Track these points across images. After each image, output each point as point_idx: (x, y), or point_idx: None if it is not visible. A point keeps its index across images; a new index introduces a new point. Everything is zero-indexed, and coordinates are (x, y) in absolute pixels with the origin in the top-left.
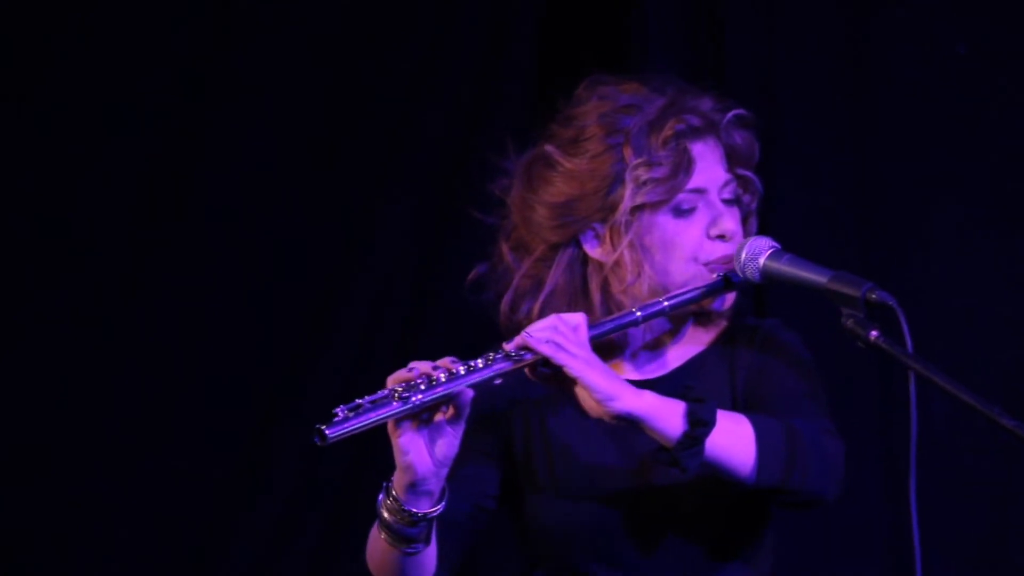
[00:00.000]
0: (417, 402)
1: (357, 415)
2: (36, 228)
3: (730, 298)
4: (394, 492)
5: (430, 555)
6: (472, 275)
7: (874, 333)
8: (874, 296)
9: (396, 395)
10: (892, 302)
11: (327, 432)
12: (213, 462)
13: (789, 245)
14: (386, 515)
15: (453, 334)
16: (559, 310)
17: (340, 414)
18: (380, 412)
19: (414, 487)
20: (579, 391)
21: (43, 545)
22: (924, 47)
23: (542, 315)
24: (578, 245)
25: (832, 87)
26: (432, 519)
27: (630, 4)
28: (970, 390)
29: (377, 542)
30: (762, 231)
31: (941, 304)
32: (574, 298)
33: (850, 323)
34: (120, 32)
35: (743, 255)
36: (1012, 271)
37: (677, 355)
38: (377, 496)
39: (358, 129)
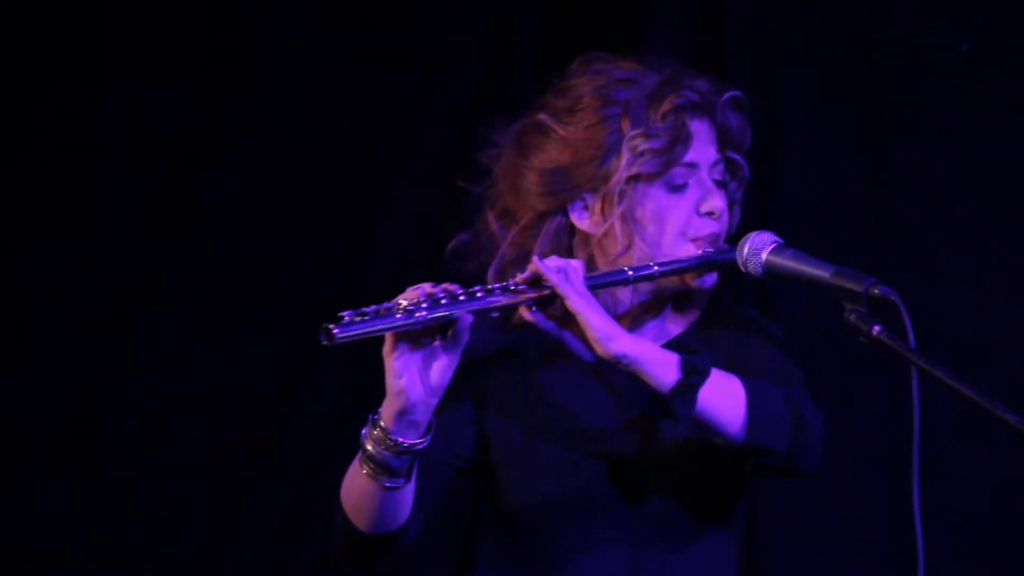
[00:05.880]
0: (421, 318)
1: (364, 321)
2: (36, 228)
3: (713, 278)
4: (381, 423)
5: (408, 492)
6: (453, 244)
7: (877, 328)
8: (876, 291)
9: (400, 308)
10: (895, 297)
11: (335, 331)
12: (221, 456)
13: (792, 242)
14: (370, 446)
15: None
16: None
17: (347, 318)
18: (385, 322)
19: (403, 414)
20: (578, 328)
21: (44, 545)
22: (925, 46)
23: None
24: (565, 215)
25: (837, 81)
26: (416, 452)
27: (631, 4)
28: (973, 385)
29: (357, 478)
30: (765, 227)
31: (943, 302)
32: None
33: (852, 318)
34: (120, 32)
35: (745, 250)
36: (1015, 269)
37: (656, 335)
38: (361, 431)
39: (365, 124)
